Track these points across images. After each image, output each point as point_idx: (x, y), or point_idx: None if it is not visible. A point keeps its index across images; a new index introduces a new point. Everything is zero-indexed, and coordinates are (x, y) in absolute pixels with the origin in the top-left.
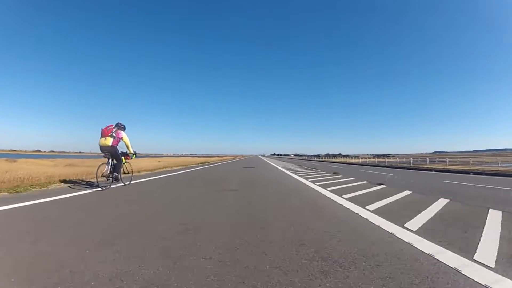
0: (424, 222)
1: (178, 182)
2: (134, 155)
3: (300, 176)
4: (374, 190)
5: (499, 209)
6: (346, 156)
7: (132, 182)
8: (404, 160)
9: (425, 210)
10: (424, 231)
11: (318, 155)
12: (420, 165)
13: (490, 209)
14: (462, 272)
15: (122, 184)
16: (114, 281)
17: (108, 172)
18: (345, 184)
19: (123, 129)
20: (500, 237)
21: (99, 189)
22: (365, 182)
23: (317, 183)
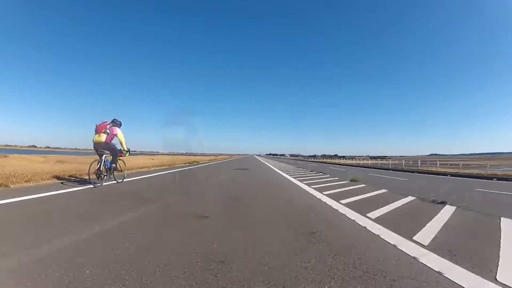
0: None
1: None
2: (128, 152)
3: (310, 185)
4: (404, 205)
5: None
6: (342, 157)
7: (125, 180)
8: (410, 162)
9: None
10: None
11: (314, 156)
12: (429, 168)
13: None
14: None
15: (115, 181)
16: None
17: (101, 169)
18: (376, 198)
19: (119, 125)
20: None
21: (91, 186)
22: (388, 192)
23: (343, 200)
